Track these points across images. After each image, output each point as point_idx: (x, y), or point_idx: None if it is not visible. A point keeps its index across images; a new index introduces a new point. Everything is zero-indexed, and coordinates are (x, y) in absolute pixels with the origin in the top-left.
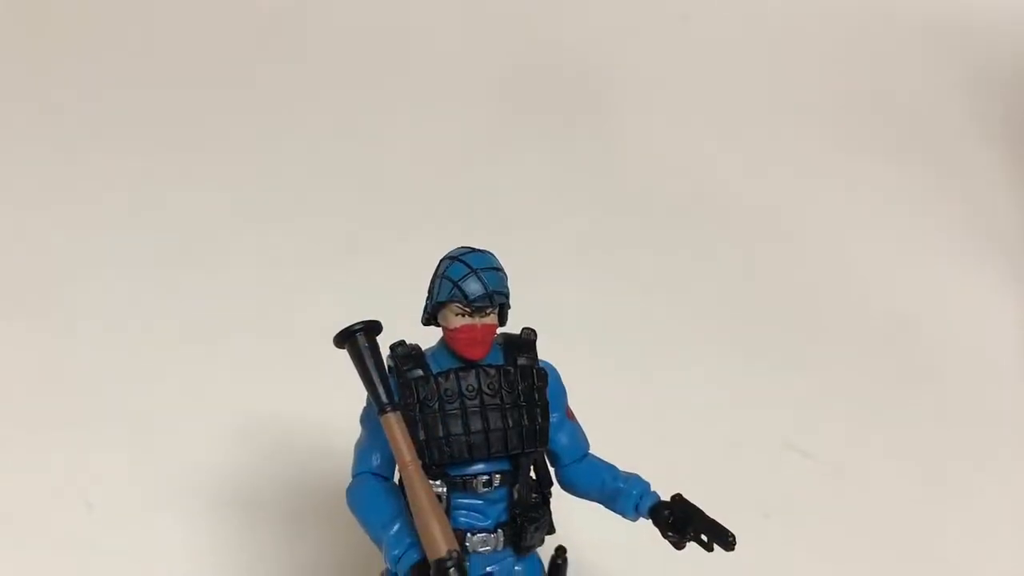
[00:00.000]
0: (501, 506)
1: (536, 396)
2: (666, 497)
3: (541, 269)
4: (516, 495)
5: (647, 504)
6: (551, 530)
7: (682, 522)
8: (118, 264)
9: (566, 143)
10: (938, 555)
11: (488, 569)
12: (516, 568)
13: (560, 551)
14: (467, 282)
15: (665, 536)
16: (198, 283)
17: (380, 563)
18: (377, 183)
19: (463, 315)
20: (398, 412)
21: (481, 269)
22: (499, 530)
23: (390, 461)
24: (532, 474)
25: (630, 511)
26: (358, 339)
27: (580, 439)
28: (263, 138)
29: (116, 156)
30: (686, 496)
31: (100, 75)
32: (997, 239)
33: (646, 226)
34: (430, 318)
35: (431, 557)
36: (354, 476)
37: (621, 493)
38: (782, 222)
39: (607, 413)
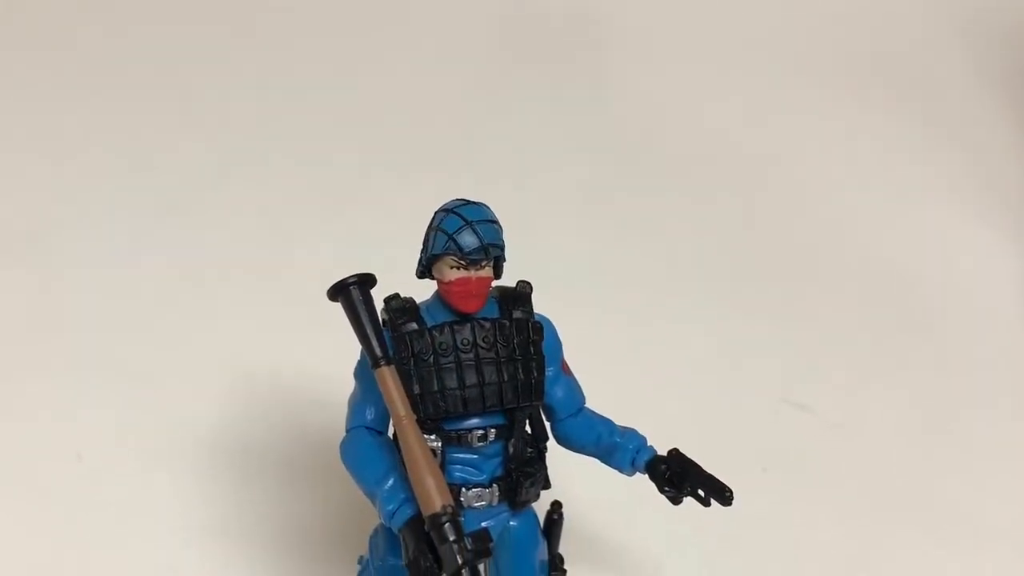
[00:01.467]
0: (496, 461)
1: (532, 350)
2: (663, 452)
3: (537, 221)
4: (511, 450)
5: (644, 459)
6: (547, 485)
7: (679, 477)
8: (110, 214)
9: (564, 92)
10: (938, 505)
11: (483, 524)
12: (511, 523)
13: (556, 506)
14: (462, 235)
15: (662, 491)
16: (192, 233)
17: (374, 517)
18: (373, 133)
19: (458, 268)
20: (392, 366)
21: (476, 222)
22: (494, 485)
23: (384, 415)
24: (527, 428)
25: (626, 466)
26: (352, 292)
27: (576, 393)
28: (258, 86)
29: (109, 102)
30: (683, 451)
31: (97, 20)
32: (996, 189)
33: (644, 176)
34: (425, 271)
35: (425, 512)
36: (348, 430)
37: (617, 448)
38: (781, 172)
39: (603, 367)
